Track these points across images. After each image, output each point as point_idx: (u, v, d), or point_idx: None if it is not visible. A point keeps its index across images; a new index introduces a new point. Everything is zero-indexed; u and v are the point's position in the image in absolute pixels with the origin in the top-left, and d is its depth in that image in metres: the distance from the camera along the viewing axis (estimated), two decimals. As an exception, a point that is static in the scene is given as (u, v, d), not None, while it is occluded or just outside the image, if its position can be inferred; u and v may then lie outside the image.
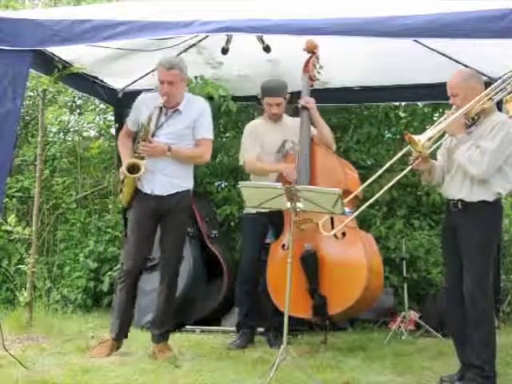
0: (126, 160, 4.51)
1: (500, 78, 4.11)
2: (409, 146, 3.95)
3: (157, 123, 4.47)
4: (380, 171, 4.42)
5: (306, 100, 4.94)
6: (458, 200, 3.87)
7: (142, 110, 4.53)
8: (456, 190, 3.89)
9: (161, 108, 4.48)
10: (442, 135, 3.95)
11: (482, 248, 3.82)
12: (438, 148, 4.10)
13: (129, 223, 4.65)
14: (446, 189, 4.00)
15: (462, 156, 3.79)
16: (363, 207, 4.55)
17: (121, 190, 4.57)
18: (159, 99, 4.45)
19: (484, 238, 3.82)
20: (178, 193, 4.53)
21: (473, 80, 3.91)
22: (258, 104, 5.27)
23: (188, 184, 4.63)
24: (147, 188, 4.50)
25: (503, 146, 3.74)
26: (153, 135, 4.45)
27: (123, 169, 4.44)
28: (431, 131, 3.85)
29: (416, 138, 3.80)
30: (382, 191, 4.44)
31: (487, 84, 4.15)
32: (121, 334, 4.61)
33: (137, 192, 4.51)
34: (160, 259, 4.73)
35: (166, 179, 4.49)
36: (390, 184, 4.44)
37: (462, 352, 3.94)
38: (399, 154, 4.25)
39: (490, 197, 3.81)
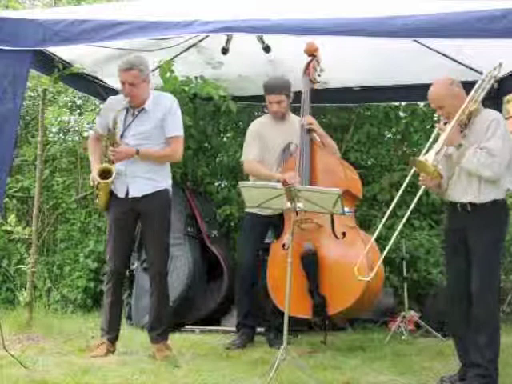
0: (96, 165, 4.52)
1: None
2: (413, 169, 3.88)
3: (124, 124, 4.47)
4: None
5: (309, 121, 4.89)
6: (467, 203, 3.83)
7: (109, 114, 4.51)
8: (461, 192, 3.85)
9: (127, 109, 4.48)
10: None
11: (492, 247, 3.80)
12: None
13: (107, 226, 4.66)
14: (450, 193, 3.95)
15: (470, 163, 3.74)
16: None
17: (97, 196, 4.57)
18: (125, 100, 4.44)
19: (494, 237, 3.81)
20: (153, 193, 4.51)
21: (453, 87, 3.86)
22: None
23: (164, 183, 4.58)
24: (121, 191, 4.51)
25: (506, 142, 3.74)
26: (121, 136, 4.45)
27: (95, 175, 4.44)
28: (434, 149, 3.74)
29: (423, 158, 3.71)
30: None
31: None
32: (113, 337, 4.61)
33: (112, 195, 4.53)
34: (147, 261, 4.74)
35: (139, 180, 4.48)
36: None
37: (462, 352, 3.94)
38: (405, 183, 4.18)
39: (499, 194, 3.80)
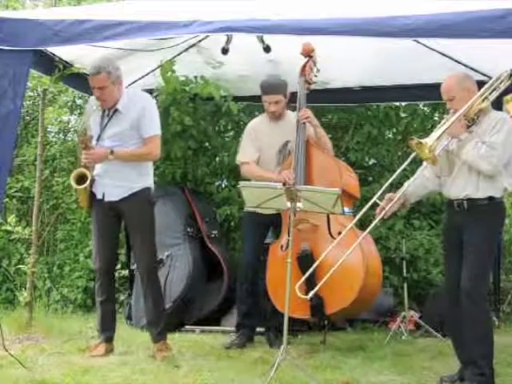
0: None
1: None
2: (414, 153, 3.90)
3: (101, 126, 4.47)
4: (399, 170, 4.35)
5: (305, 114, 4.88)
6: (464, 199, 3.85)
7: (90, 115, 4.51)
8: (460, 188, 3.87)
9: (103, 110, 4.48)
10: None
11: (483, 247, 3.81)
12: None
13: (92, 226, 4.67)
14: (449, 189, 3.98)
15: (469, 154, 3.77)
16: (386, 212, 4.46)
17: (77, 198, 4.56)
18: (96, 104, 4.47)
19: (487, 237, 3.82)
20: (131, 195, 4.50)
21: (466, 81, 3.93)
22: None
23: (143, 183, 4.55)
24: (99, 193, 4.52)
25: (509, 139, 3.76)
26: (98, 139, 4.45)
27: (70, 180, 4.44)
28: (435, 133, 3.80)
29: (423, 140, 3.76)
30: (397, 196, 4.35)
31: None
32: (108, 335, 4.62)
33: (92, 196, 4.54)
34: (134, 260, 4.75)
35: (116, 183, 4.48)
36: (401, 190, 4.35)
37: (460, 351, 3.95)
38: (406, 162, 4.20)
39: (497, 192, 3.81)
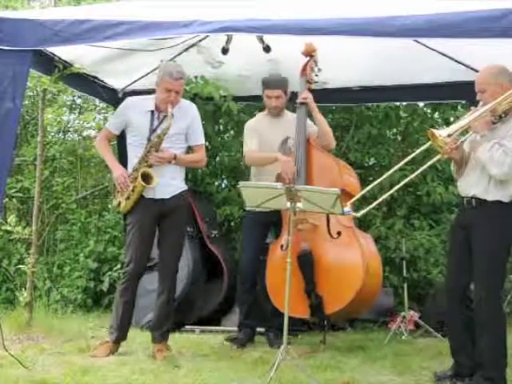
0: (115, 166, 4.60)
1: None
2: (430, 142, 3.85)
3: (150, 127, 4.49)
4: (393, 169, 4.37)
5: (304, 95, 4.94)
6: (472, 197, 3.80)
7: (131, 115, 4.55)
8: (471, 185, 3.82)
9: (152, 112, 4.52)
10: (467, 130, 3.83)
11: (492, 247, 3.74)
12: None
13: (130, 227, 4.61)
14: (461, 184, 3.93)
15: (483, 154, 3.69)
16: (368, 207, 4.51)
17: (127, 197, 4.52)
18: (151, 103, 4.51)
19: (497, 239, 3.74)
20: (179, 194, 4.60)
21: (502, 76, 3.77)
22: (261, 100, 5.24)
23: (184, 185, 4.70)
24: (149, 192, 4.52)
25: None
26: (148, 139, 4.48)
27: (139, 179, 4.42)
28: (454, 126, 3.75)
29: (437, 132, 3.71)
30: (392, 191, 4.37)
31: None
32: (121, 337, 4.62)
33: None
34: (159, 260, 4.74)
35: (166, 182, 4.52)
36: (400, 184, 4.39)
37: (456, 350, 3.94)
38: (418, 150, 4.20)
39: (505, 197, 3.73)
